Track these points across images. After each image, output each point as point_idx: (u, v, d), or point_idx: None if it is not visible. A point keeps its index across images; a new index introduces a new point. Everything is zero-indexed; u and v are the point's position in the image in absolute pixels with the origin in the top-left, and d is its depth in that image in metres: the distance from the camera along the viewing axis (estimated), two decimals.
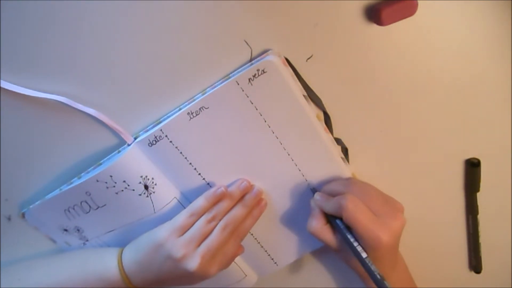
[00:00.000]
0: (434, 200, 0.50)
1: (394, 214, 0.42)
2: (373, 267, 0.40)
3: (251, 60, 0.41)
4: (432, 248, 0.53)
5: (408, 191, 0.49)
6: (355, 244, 0.41)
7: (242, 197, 0.45)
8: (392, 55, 0.41)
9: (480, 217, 0.51)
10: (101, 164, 0.44)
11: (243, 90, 0.41)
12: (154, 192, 0.44)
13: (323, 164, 0.45)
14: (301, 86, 0.42)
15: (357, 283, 0.47)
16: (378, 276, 0.40)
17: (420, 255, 0.53)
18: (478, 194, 0.49)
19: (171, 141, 0.43)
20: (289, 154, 0.45)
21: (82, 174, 0.44)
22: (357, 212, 0.40)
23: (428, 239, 0.48)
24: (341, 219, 0.42)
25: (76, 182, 0.44)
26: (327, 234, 0.44)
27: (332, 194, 0.44)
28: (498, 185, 0.50)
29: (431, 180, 0.49)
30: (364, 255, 0.41)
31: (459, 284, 0.56)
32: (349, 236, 0.42)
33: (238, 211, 0.44)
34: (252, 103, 0.42)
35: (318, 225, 0.44)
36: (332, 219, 0.44)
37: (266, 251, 0.51)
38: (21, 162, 0.44)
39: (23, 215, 0.46)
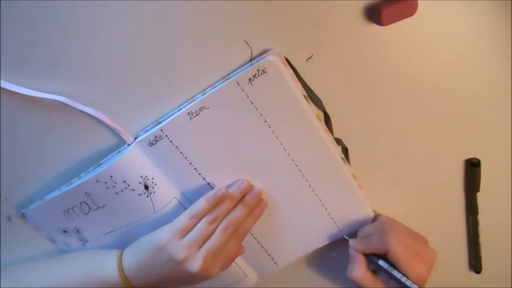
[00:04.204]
0: (434, 200, 0.50)
1: (426, 248, 0.44)
2: None
3: (251, 60, 0.41)
4: (432, 247, 0.53)
5: (408, 191, 0.49)
6: (403, 279, 0.42)
7: (242, 198, 0.45)
8: (392, 55, 0.41)
9: (480, 217, 0.51)
10: (101, 164, 0.44)
11: (243, 90, 0.41)
12: (154, 192, 0.44)
13: (323, 164, 0.45)
14: (301, 86, 0.42)
15: None
16: None
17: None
18: (478, 194, 0.49)
19: (171, 141, 0.43)
20: (289, 154, 0.45)
21: (82, 174, 0.44)
22: (401, 248, 0.42)
23: (428, 239, 0.48)
24: (381, 258, 0.44)
25: (76, 182, 0.44)
26: (370, 280, 0.44)
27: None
28: (498, 185, 0.50)
29: (431, 180, 0.49)
30: (416, 286, 0.42)
31: (459, 284, 0.56)
32: (395, 273, 0.43)
33: (238, 212, 0.44)
34: (252, 103, 0.42)
35: (361, 272, 0.44)
36: (374, 259, 0.45)
37: (266, 251, 0.51)
38: (21, 162, 0.44)
39: (23, 216, 0.46)
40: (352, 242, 0.46)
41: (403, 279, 0.42)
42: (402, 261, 0.42)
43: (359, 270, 0.44)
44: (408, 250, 0.42)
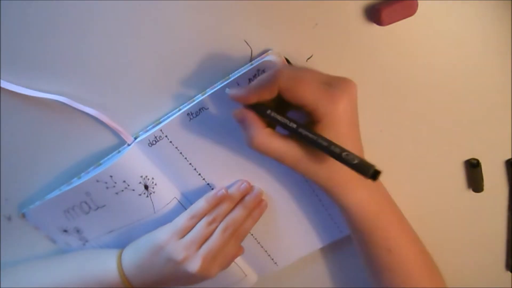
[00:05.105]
0: (434, 200, 0.50)
1: (344, 79, 0.34)
2: (325, 141, 0.31)
3: (251, 60, 0.41)
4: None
5: (408, 191, 0.49)
6: (291, 124, 0.32)
7: (242, 198, 0.45)
8: (392, 55, 0.41)
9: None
10: (101, 164, 0.44)
11: None
12: (154, 192, 0.44)
13: None
14: None
15: (357, 283, 0.47)
16: (325, 144, 0.31)
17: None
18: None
19: (171, 142, 0.43)
20: None
21: (82, 174, 0.44)
22: (297, 78, 0.32)
23: (428, 238, 0.48)
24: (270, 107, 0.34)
25: (76, 182, 0.44)
26: (274, 141, 0.34)
27: None
28: (498, 185, 0.50)
29: (431, 180, 0.49)
30: (315, 135, 0.32)
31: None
32: (289, 121, 0.33)
33: (238, 212, 0.44)
34: None
35: (259, 132, 0.34)
36: (263, 111, 0.34)
37: (266, 251, 0.51)
38: (21, 162, 0.44)
39: (23, 215, 0.46)
40: (232, 90, 0.34)
41: (295, 126, 0.32)
42: (302, 93, 0.31)
43: (255, 131, 0.33)
44: (311, 80, 0.32)
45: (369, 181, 0.30)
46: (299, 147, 0.34)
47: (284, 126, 0.33)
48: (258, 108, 0.34)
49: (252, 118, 0.34)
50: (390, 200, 0.43)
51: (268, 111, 0.33)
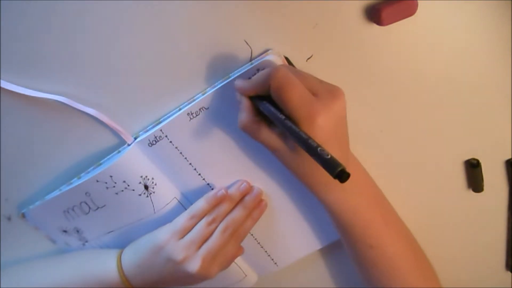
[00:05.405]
0: (434, 199, 0.50)
1: (333, 94, 0.35)
2: (305, 134, 0.32)
3: (251, 60, 0.41)
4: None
5: (408, 191, 0.49)
6: (282, 117, 0.34)
7: (242, 198, 0.45)
8: (392, 55, 0.41)
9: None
10: (101, 164, 0.44)
11: None
12: (154, 192, 0.44)
13: None
14: None
15: (357, 283, 0.47)
16: (305, 136, 0.32)
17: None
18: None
19: (171, 141, 0.43)
20: None
21: (82, 174, 0.44)
22: (287, 81, 0.33)
23: (427, 238, 0.48)
24: (269, 100, 0.36)
25: (76, 182, 0.44)
26: (261, 128, 0.37)
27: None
28: (498, 185, 0.50)
29: (430, 180, 0.49)
30: (296, 128, 0.33)
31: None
32: (278, 115, 0.34)
33: (238, 213, 0.44)
34: None
35: (248, 118, 0.37)
36: (258, 101, 0.37)
37: (266, 251, 0.51)
38: (21, 162, 0.44)
39: (23, 215, 0.46)
40: (237, 82, 0.38)
41: (282, 117, 0.33)
42: (287, 98, 0.33)
43: (246, 116, 0.37)
44: (299, 88, 0.33)
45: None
46: (284, 140, 0.36)
47: (274, 116, 0.34)
48: (257, 98, 0.37)
49: (245, 105, 0.37)
50: (376, 196, 0.43)
51: (264, 102, 0.36)
